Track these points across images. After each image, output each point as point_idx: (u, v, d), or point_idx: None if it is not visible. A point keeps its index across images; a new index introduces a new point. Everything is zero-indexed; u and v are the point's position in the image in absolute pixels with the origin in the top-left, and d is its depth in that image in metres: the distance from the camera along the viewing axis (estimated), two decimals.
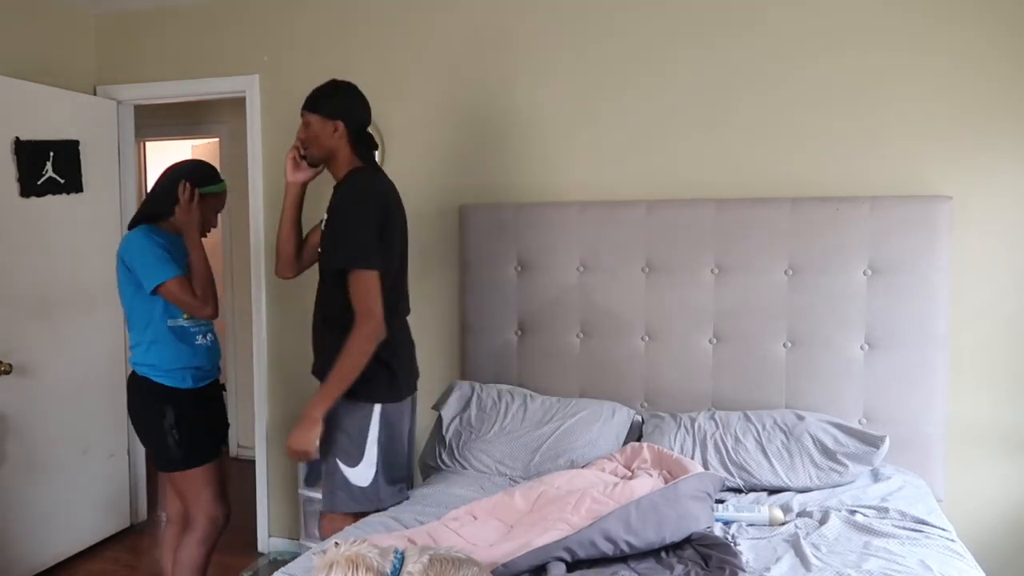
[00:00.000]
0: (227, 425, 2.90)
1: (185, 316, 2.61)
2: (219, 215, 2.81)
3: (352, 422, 2.33)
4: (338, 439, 2.33)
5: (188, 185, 2.57)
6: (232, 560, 3.56)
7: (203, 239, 2.67)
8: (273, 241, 3.52)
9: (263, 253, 3.57)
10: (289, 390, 3.56)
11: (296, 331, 3.50)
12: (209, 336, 2.71)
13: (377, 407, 2.34)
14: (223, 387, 2.89)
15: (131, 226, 2.68)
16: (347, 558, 1.46)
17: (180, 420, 2.59)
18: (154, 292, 2.52)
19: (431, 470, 2.82)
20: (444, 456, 2.79)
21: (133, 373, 2.64)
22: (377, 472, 2.34)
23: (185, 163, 2.75)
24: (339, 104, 2.38)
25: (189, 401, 2.62)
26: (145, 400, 2.61)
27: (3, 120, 3.17)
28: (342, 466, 2.33)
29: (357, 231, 2.25)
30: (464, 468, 2.73)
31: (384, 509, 2.33)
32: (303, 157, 2.48)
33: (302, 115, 2.41)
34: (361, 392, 2.29)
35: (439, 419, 2.90)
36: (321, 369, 2.35)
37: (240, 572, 3.46)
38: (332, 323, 2.33)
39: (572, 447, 2.66)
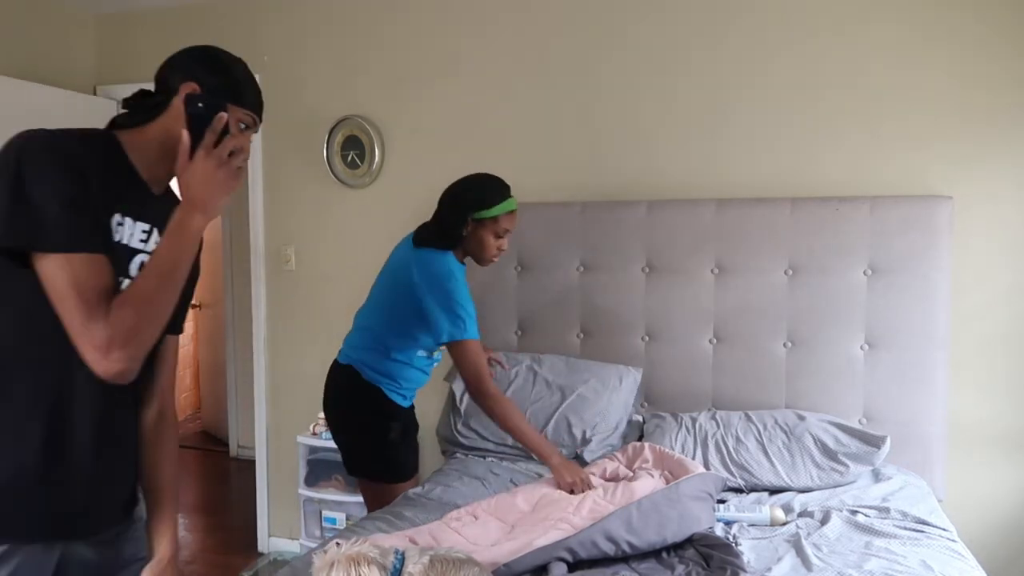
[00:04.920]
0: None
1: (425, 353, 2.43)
2: (498, 240, 2.38)
3: None
4: None
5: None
6: (232, 560, 3.56)
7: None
8: (274, 241, 3.54)
9: (262, 253, 3.56)
10: (289, 390, 3.55)
11: (296, 331, 3.50)
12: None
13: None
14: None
15: (423, 241, 2.38)
16: (348, 557, 1.46)
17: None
18: (449, 345, 2.29)
19: (447, 443, 2.87)
20: (460, 427, 2.83)
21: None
22: None
23: (467, 184, 2.41)
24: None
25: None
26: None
27: (3, 120, 3.15)
28: None
29: None
30: (484, 439, 2.76)
31: None
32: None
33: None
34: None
35: (451, 392, 2.94)
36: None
37: (240, 572, 3.45)
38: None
39: (583, 420, 2.70)
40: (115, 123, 1.41)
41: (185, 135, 1.28)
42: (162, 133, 1.37)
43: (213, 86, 1.36)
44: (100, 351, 1.21)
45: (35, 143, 1.24)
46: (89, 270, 1.23)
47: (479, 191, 2.35)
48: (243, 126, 1.40)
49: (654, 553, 1.95)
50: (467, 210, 2.33)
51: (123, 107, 1.44)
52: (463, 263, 2.43)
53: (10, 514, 1.26)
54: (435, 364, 2.54)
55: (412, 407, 2.56)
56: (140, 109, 1.40)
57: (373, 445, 2.47)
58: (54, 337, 1.23)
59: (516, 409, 2.34)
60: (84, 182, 1.25)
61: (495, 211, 2.32)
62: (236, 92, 1.39)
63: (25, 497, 1.27)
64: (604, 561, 1.90)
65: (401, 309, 2.36)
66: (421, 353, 2.43)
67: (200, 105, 1.29)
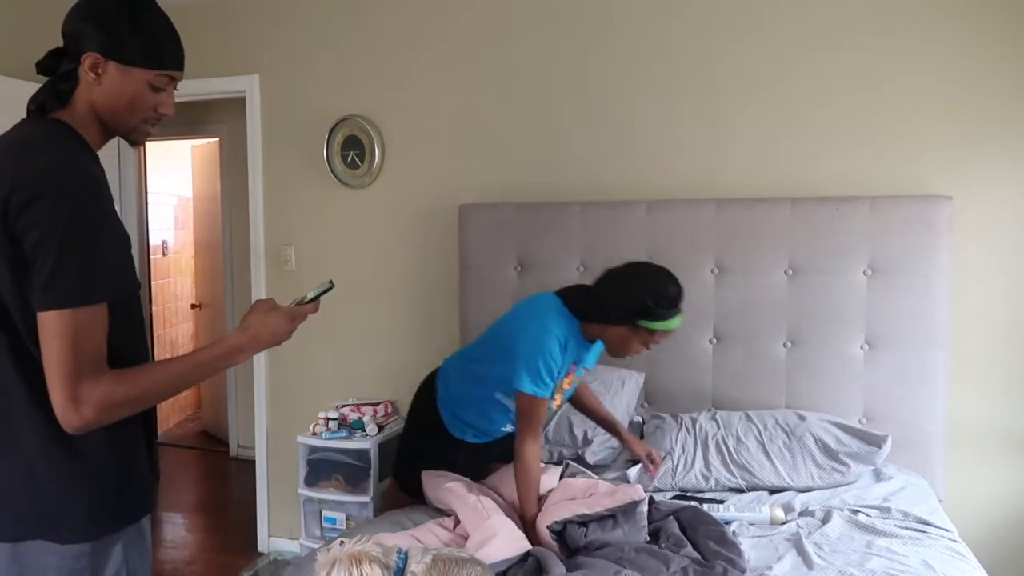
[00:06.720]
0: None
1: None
2: (643, 348, 2.24)
3: None
4: None
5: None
6: (232, 560, 3.55)
7: None
8: (274, 241, 3.54)
9: (263, 253, 3.56)
10: (289, 390, 3.55)
11: (296, 331, 3.50)
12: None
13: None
14: None
15: (567, 295, 2.27)
16: (350, 555, 1.46)
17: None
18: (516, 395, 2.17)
19: None
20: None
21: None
22: None
23: (646, 284, 2.17)
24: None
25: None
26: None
27: (3, 120, 3.14)
28: None
29: None
30: None
31: None
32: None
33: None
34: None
35: None
36: None
37: (240, 572, 3.45)
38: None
39: (584, 421, 2.67)
40: (46, 107, 1.36)
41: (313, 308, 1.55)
42: (88, 103, 1.33)
43: (129, 49, 1.31)
44: (73, 403, 1.20)
45: (81, 195, 1.22)
46: (95, 322, 1.23)
47: (655, 299, 2.12)
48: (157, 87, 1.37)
49: (653, 552, 1.95)
50: (633, 315, 2.13)
51: (39, 73, 1.39)
52: (591, 341, 2.27)
53: (140, 496, 1.41)
54: (508, 425, 2.38)
55: (477, 449, 2.42)
56: (62, 83, 1.34)
57: (411, 451, 2.50)
58: (122, 353, 1.29)
59: (536, 478, 2.19)
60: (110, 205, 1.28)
61: (659, 326, 2.14)
62: (156, 55, 1.37)
63: (142, 482, 1.41)
64: (602, 561, 1.90)
65: (500, 338, 2.30)
66: (498, 396, 2.28)
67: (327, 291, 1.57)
